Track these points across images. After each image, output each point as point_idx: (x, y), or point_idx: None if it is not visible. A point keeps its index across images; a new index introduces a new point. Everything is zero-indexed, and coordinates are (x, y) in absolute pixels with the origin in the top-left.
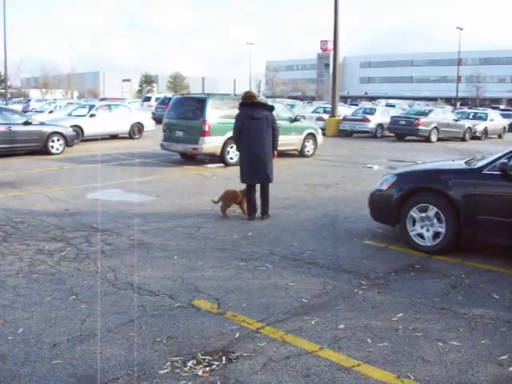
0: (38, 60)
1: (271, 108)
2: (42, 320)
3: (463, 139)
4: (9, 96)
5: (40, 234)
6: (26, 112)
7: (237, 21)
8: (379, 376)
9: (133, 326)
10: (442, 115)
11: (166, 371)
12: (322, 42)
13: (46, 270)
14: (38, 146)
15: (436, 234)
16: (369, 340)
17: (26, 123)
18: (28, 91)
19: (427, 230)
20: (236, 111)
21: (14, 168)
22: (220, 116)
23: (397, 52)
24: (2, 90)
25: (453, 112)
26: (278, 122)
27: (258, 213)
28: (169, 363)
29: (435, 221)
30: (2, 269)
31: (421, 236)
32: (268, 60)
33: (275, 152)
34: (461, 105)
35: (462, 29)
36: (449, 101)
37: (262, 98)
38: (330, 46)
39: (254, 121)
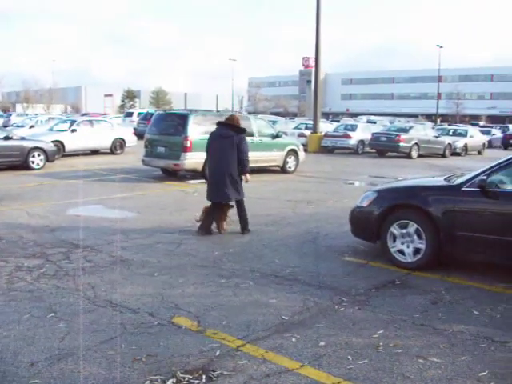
0: (19, 74)
1: (240, 130)
2: (19, 338)
3: (443, 155)
4: None
5: (19, 250)
6: (6, 127)
7: (219, 37)
8: None
9: (112, 344)
10: (423, 132)
11: None
12: (303, 58)
13: (24, 286)
14: (19, 161)
15: (416, 251)
16: (349, 357)
17: (7, 138)
18: (13, 105)
19: (407, 247)
20: None
21: None
22: (202, 132)
23: (378, 69)
24: None
25: (433, 128)
26: (259, 138)
27: (239, 228)
28: (148, 382)
29: (415, 237)
30: None
31: (401, 252)
32: (250, 76)
33: (246, 175)
34: (441, 121)
35: (441, 46)
36: (429, 117)
37: (244, 115)
38: (312, 62)
39: (220, 140)
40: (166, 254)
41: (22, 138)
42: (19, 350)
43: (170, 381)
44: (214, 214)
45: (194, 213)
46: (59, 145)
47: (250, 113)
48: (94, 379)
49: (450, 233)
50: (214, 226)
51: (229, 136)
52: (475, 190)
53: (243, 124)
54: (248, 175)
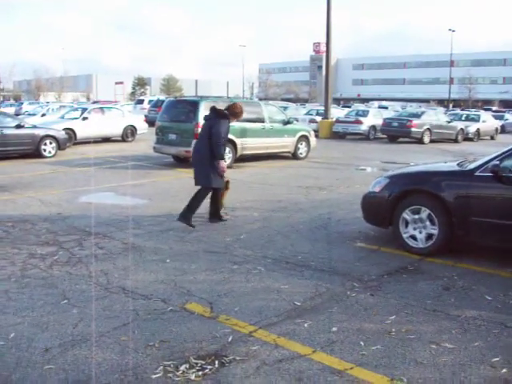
0: (30, 63)
1: (220, 113)
2: (33, 325)
3: (456, 141)
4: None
5: (32, 237)
6: (18, 115)
7: (229, 23)
8: (372, 379)
9: (125, 330)
10: (435, 117)
11: (158, 376)
12: (314, 44)
13: (37, 274)
14: (31, 150)
15: (429, 236)
16: (362, 343)
17: (18, 126)
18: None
19: (420, 232)
20: None
21: (5, 171)
22: None
23: (389, 54)
24: None
25: (445, 114)
26: (270, 124)
27: (250, 214)
28: (161, 367)
29: (428, 223)
30: None
31: (413, 238)
32: (261, 62)
33: (219, 163)
34: (453, 106)
35: (454, 31)
36: (441, 102)
37: (255, 101)
38: (323, 48)
39: (203, 124)
40: (177, 241)
41: (34, 126)
42: (33, 336)
43: (183, 366)
44: (212, 199)
45: (205, 199)
46: (71, 133)
47: (260, 99)
48: (108, 365)
49: (463, 218)
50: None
51: (208, 119)
52: (488, 175)
53: (254, 110)
54: (222, 163)
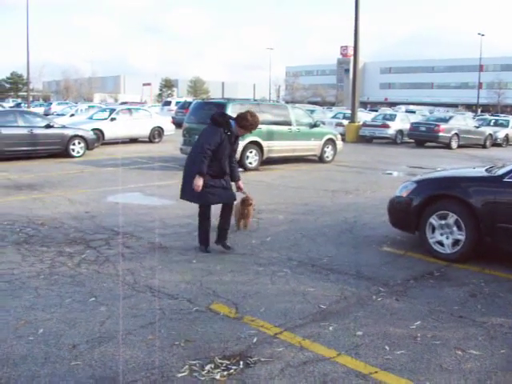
0: (59, 64)
1: (212, 120)
2: (61, 321)
3: (484, 146)
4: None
5: (60, 236)
6: (47, 115)
7: (257, 26)
8: None
9: (151, 329)
10: (463, 122)
11: (183, 374)
12: (342, 47)
13: (66, 272)
14: (59, 149)
15: (455, 242)
16: (387, 347)
17: (48, 126)
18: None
19: (447, 238)
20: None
21: (35, 170)
22: None
23: (417, 58)
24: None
25: (474, 118)
26: (297, 127)
27: (275, 217)
28: (187, 367)
29: (455, 228)
30: (23, 270)
31: (440, 243)
32: (288, 65)
33: (195, 176)
34: (482, 111)
35: (483, 35)
36: (469, 107)
37: (282, 104)
38: (350, 51)
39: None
40: None
41: (63, 127)
42: (61, 332)
43: (208, 366)
44: (221, 217)
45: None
46: (99, 133)
47: (287, 102)
48: (134, 363)
49: (491, 224)
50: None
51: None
52: None
53: (281, 113)
54: (197, 180)
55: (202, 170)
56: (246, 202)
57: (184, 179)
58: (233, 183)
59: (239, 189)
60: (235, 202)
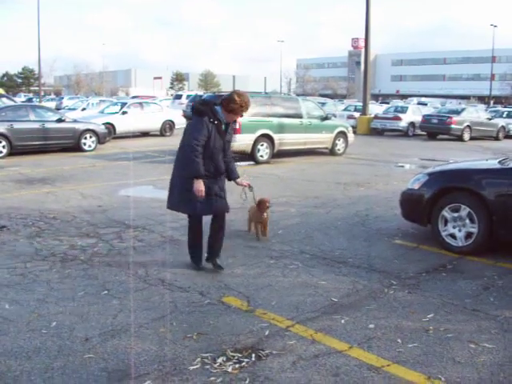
0: (70, 58)
1: (193, 111)
2: (74, 314)
3: (496, 138)
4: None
5: (73, 229)
6: (59, 109)
7: (267, 19)
8: (409, 376)
9: (164, 322)
10: (475, 114)
11: (196, 367)
12: (353, 39)
13: (78, 265)
14: (71, 143)
15: (468, 235)
16: (399, 340)
17: (59, 120)
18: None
19: (459, 231)
20: (266, 109)
21: (47, 165)
22: (250, 114)
23: (429, 50)
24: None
25: (486, 110)
26: (308, 120)
27: (286, 210)
28: (199, 359)
29: (467, 221)
30: (36, 264)
31: (453, 236)
32: (299, 58)
33: (194, 181)
34: (494, 103)
35: (495, 26)
36: (482, 99)
37: (293, 96)
38: (362, 43)
39: None
40: None
41: (75, 121)
42: (74, 325)
43: (221, 358)
44: (210, 230)
45: (242, 194)
46: (110, 127)
47: (298, 94)
48: (146, 355)
49: (504, 217)
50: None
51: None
52: None
53: (292, 106)
54: (197, 184)
55: (198, 171)
56: (263, 205)
57: (171, 184)
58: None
59: (242, 185)
60: (250, 206)
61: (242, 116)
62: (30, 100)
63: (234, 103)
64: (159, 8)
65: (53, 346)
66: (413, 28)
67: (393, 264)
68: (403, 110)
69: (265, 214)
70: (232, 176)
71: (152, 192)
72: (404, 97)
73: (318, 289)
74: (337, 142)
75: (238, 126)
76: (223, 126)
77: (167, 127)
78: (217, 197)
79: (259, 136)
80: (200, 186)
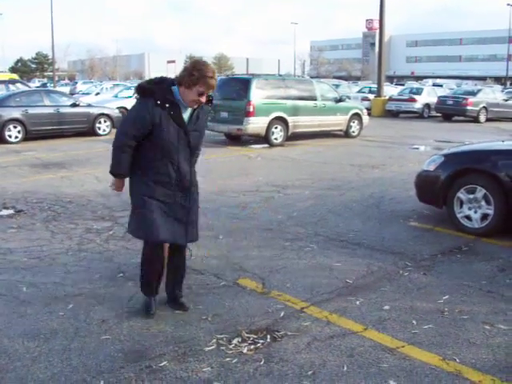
0: (84, 44)
1: (136, 90)
2: (90, 296)
3: None
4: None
5: (88, 213)
6: (73, 94)
7: (281, 1)
8: (424, 358)
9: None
10: (492, 95)
11: (211, 348)
12: (367, 20)
13: (94, 248)
14: (86, 128)
15: (484, 216)
16: (414, 322)
17: (74, 105)
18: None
19: (475, 212)
20: (280, 91)
21: (62, 149)
22: (264, 97)
23: (444, 30)
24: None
25: (502, 92)
26: (323, 102)
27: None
28: (214, 340)
29: (483, 203)
30: (52, 247)
31: (468, 218)
32: (312, 40)
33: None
34: (511, 84)
35: None
36: (498, 80)
37: (307, 78)
38: (376, 24)
39: None
40: (229, 218)
41: (89, 105)
42: (90, 307)
43: (236, 340)
44: (170, 257)
45: (257, 177)
46: (124, 111)
47: (312, 77)
48: (162, 336)
49: None
50: (275, 187)
51: None
52: None
53: (306, 88)
54: (117, 181)
55: (112, 168)
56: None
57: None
58: None
59: None
60: None
61: (207, 95)
62: (44, 85)
63: (190, 75)
64: None
65: (70, 327)
66: (428, 8)
67: (407, 246)
68: (418, 91)
69: None
70: None
71: None
72: (419, 78)
73: (332, 271)
74: (351, 124)
75: (251, 110)
76: (185, 112)
77: None
78: (178, 221)
79: (273, 119)
80: (117, 182)
